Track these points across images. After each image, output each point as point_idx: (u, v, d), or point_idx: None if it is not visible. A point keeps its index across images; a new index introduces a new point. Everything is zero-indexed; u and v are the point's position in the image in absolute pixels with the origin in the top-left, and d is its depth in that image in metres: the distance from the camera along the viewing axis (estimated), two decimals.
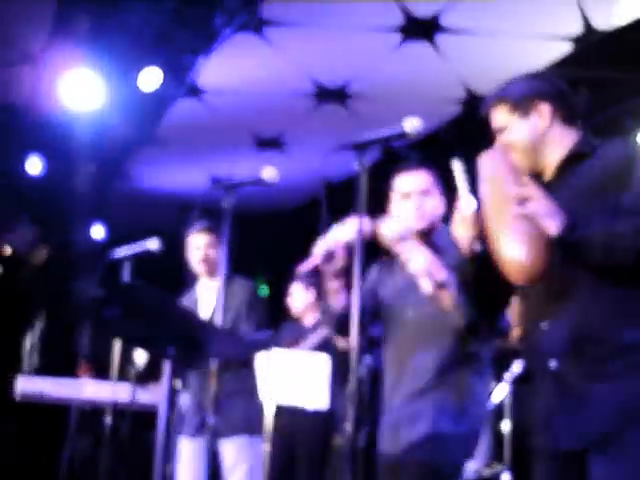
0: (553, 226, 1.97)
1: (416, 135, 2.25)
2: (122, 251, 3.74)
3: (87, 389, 5.33)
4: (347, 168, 7.58)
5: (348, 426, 2.07)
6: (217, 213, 3.40)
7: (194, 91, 6.22)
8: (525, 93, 2.20)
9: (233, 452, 3.73)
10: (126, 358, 3.96)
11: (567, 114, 2.20)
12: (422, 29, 5.28)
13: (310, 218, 8.03)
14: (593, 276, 2.01)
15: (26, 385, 5.68)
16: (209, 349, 2.15)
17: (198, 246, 4.00)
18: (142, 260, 3.80)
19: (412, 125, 2.26)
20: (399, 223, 2.71)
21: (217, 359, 2.16)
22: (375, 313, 2.96)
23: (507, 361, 4.85)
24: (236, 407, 3.69)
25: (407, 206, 2.85)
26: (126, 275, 3.79)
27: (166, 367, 2.12)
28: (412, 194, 2.85)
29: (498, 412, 4.97)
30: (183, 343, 2.08)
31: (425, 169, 2.91)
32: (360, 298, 2.17)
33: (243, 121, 6.70)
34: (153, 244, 3.73)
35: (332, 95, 6.18)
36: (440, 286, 2.60)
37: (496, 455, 4.92)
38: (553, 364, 2.06)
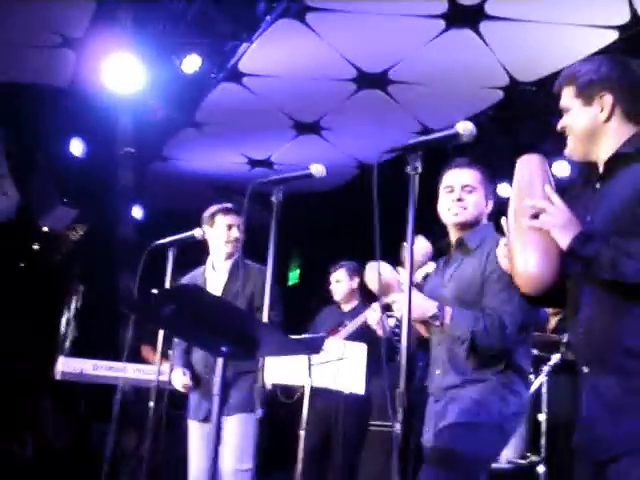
0: (563, 239, 1.98)
1: (470, 138, 2.24)
2: (167, 237, 3.82)
3: (126, 370, 5.40)
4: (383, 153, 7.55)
5: (398, 427, 2.09)
6: (256, 197, 3.39)
7: (235, 75, 6.23)
8: (592, 79, 2.14)
9: (233, 430, 3.79)
10: (165, 341, 4.02)
11: (631, 108, 2.13)
12: (466, 16, 5.23)
13: (344, 202, 8.05)
14: (612, 289, 1.96)
15: (66, 365, 5.77)
16: (262, 348, 2.18)
17: (232, 226, 4.01)
18: (184, 244, 3.88)
19: (465, 128, 2.25)
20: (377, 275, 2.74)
21: (268, 357, 2.20)
22: None
23: (545, 352, 4.85)
24: (237, 389, 3.75)
25: (449, 198, 2.94)
26: (170, 260, 3.87)
27: (219, 364, 2.15)
28: (455, 187, 2.94)
29: (535, 403, 4.97)
30: (237, 342, 2.11)
31: (473, 168, 2.98)
32: None
33: (282, 105, 6.70)
34: (197, 232, 3.82)
35: (372, 81, 6.15)
36: (431, 320, 2.73)
37: (532, 446, 4.92)
38: (585, 370, 2.06)
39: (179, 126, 7.10)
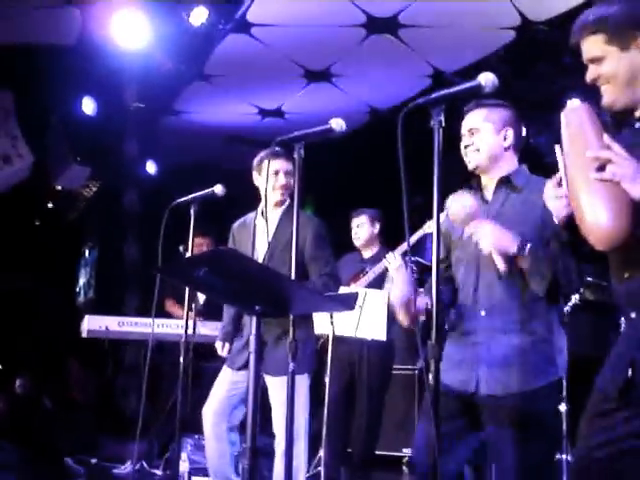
0: (635, 189, 1.89)
1: (492, 89, 2.23)
2: (189, 195, 3.84)
3: (153, 326, 5.47)
4: (394, 97, 7.51)
5: (430, 378, 2.14)
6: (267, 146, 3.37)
7: (243, 26, 6.17)
8: (625, 23, 2.07)
9: (280, 391, 3.74)
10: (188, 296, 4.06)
11: None
12: None
13: (357, 147, 8.03)
14: None
15: (92, 322, 5.87)
16: (293, 306, 2.22)
17: (279, 171, 3.89)
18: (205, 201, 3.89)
19: (487, 79, 2.24)
20: (462, 206, 2.73)
21: (299, 313, 2.25)
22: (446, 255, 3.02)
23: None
24: (283, 349, 3.69)
25: (463, 146, 2.93)
26: (192, 216, 3.89)
27: (253, 322, 2.20)
28: (464, 135, 2.93)
29: None
30: (269, 301, 2.14)
31: (479, 107, 2.91)
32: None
33: (292, 54, 6.64)
34: (218, 189, 3.83)
35: (382, 25, 6.08)
36: (514, 256, 2.65)
37: None
38: (633, 315, 2.04)
39: (189, 79, 7.05)
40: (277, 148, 3.82)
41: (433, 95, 2.24)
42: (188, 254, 4.05)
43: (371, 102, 7.66)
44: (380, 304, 4.85)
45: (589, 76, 2.16)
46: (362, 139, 7.90)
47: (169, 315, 6.23)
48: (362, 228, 5.48)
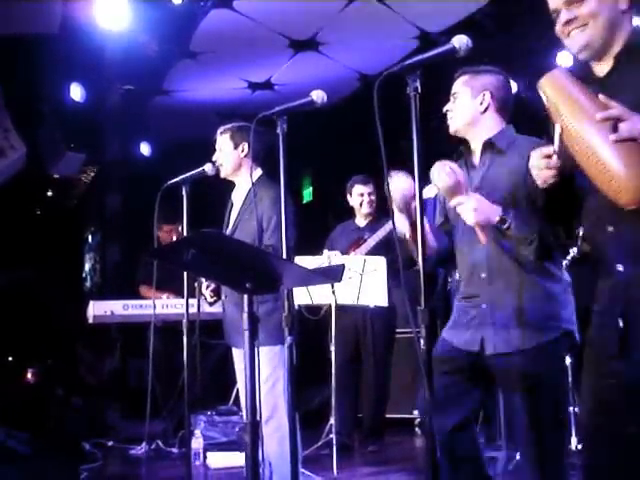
0: None
1: (467, 51, 2.22)
2: (180, 176, 3.84)
3: (156, 307, 5.52)
4: (382, 62, 7.45)
5: (422, 343, 2.15)
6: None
7: (224, 0, 6.13)
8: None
9: (241, 363, 3.79)
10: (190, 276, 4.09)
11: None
12: None
13: (349, 114, 8.02)
14: None
15: (97, 308, 5.92)
16: (283, 282, 2.24)
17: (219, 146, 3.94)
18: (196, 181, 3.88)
19: (461, 41, 2.23)
20: (444, 180, 2.70)
21: (289, 288, 2.28)
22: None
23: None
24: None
25: (444, 110, 3.03)
26: (185, 197, 3.88)
27: (245, 300, 2.22)
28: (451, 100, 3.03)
29: None
30: (259, 279, 2.17)
31: (459, 75, 3.02)
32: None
33: (276, 25, 6.59)
34: (208, 167, 3.84)
35: None
36: (496, 227, 2.66)
37: None
38: (620, 268, 2.03)
39: (175, 58, 7.03)
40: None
41: (407, 62, 2.23)
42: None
43: (360, 68, 7.62)
44: (380, 270, 4.89)
45: (563, 18, 2.15)
46: (354, 106, 7.88)
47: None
48: (374, 195, 5.53)
